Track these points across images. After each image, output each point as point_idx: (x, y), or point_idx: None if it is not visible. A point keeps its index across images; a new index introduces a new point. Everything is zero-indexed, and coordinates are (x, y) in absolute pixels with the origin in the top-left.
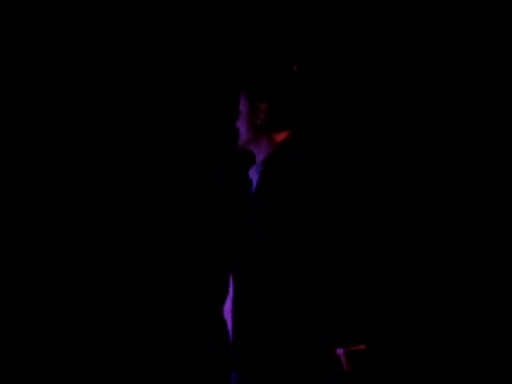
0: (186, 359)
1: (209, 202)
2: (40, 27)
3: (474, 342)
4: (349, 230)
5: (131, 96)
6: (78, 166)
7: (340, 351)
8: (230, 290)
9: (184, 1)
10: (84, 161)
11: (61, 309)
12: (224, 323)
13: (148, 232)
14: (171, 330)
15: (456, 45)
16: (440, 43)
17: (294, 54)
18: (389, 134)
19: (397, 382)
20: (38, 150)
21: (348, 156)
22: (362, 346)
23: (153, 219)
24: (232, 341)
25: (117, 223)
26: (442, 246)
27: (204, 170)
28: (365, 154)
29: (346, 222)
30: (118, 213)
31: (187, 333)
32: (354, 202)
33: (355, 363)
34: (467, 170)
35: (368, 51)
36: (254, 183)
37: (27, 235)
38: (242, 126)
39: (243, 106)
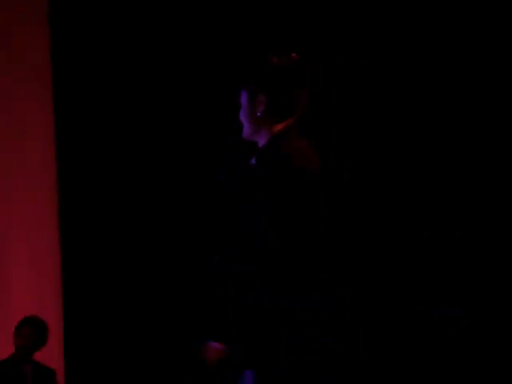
0: (185, 359)
1: (209, 202)
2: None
3: (474, 342)
4: (349, 230)
5: (130, 95)
6: None
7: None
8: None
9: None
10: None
11: None
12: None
13: (148, 232)
14: (171, 330)
15: (456, 45)
16: (440, 43)
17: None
18: (389, 134)
19: (397, 381)
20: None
21: (348, 156)
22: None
23: (153, 219)
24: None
25: (117, 223)
26: (442, 245)
27: (204, 170)
28: (365, 154)
29: (346, 222)
30: (118, 213)
31: (187, 333)
32: (354, 201)
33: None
34: (467, 170)
35: (368, 51)
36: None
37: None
38: (243, 118)
39: (243, 99)
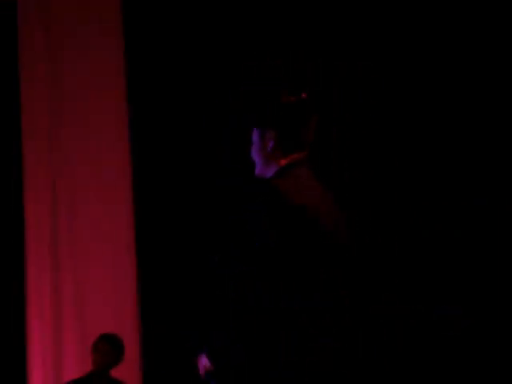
0: (185, 359)
1: (209, 202)
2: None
3: (474, 342)
4: (349, 230)
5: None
6: None
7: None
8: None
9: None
10: None
11: None
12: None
13: (148, 232)
14: (171, 330)
15: (456, 45)
16: (440, 43)
17: (294, 54)
18: (389, 134)
19: (397, 381)
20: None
21: (348, 156)
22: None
23: (153, 219)
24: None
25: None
26: (442, 245)
27: (204, 170)
28: (365, 154)
29: (346, 222)
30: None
31: (187, 332)
32: (354, 201)
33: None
34: (467, 169)
35: (368, 51)
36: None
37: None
38: (255, 155)
39: (255, 137)
